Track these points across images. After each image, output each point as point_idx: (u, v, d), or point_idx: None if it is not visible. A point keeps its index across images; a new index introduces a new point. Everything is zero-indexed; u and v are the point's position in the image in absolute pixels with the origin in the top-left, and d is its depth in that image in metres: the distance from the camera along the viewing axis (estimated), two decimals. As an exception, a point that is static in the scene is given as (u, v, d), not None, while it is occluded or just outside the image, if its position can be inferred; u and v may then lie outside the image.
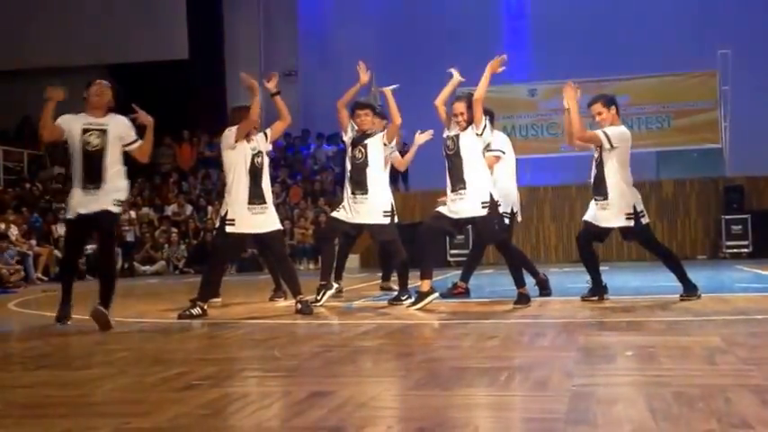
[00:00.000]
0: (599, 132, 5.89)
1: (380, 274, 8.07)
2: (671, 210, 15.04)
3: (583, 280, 6.48)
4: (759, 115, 15.43)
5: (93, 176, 5.35)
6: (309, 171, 18.55)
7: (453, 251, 13.78)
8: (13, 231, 13.58)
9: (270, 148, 6.46)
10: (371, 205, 6.51)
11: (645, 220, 5.92)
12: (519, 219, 6.88)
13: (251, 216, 5.96)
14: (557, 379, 2.97)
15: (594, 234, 6.08)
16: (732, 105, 14.99)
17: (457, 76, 5.99)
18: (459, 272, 7.17)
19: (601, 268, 6.16)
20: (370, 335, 4.63)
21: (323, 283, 6.54)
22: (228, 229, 5.92)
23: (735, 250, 14.03)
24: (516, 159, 6.99)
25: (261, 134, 6.31)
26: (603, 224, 5.95)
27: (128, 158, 5.65)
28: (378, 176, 6.56)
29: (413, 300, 6.04)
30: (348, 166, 6.67)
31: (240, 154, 6.07)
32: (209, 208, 16.87)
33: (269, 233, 6.08)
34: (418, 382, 3.05)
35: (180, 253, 16.05)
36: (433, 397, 2.79)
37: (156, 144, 18.36)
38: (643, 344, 3.84)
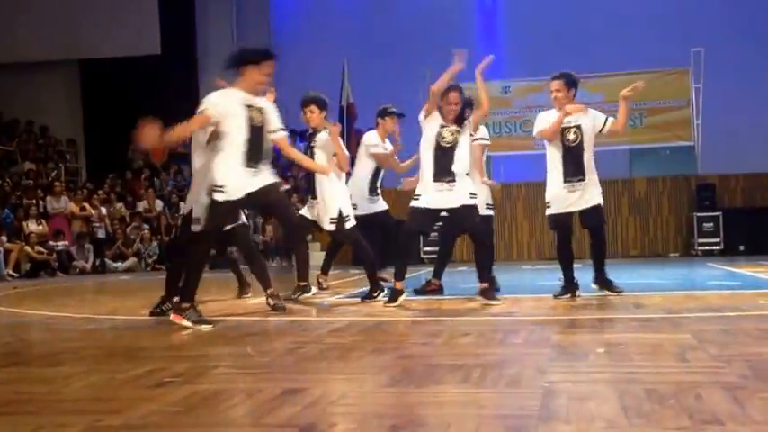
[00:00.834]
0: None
1: (353, 271, 8.04)
2: (643, 207, 15.19)
3: (555, 277, 6.52)
4: (731, 113, 15.59)
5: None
6: (282, 168, 18.53)
7: (427, 248, 13.85)
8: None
9: None
10: (322, 210, 6.62)
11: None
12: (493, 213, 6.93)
13: None
14: (529, 376, 2.99)
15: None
16: (704, 103, 15.14)
17: (458, 63, 5.84)
18: (433, 269, 7.17)
19: (576, 265, 6.19)
20: (343, 332, 4.63)
21: (302, 284, 6.56)
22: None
23: (707, 247, 14.21)
24: (490, 156, 7.02)
25: None
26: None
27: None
28: (326, 182, 6.58)
29: (387, 298, 6.03)
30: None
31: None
32: (182, 204, 16.76)
33: (233, 228, 6.04)
34: (391, 379, 3.05)
35: (152, 250, 15.95)
36: (406, 394, 2.79)
37: (129, 140, 18.34)
38: (615, 341, 3.86)
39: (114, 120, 18.34)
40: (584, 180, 6.01)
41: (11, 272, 13.44)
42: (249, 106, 4.99)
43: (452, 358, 3.50)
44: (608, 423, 2.24)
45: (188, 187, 6.59)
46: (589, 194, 6.05)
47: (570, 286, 6.06)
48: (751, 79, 15.79)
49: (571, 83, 6.07)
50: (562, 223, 6.15)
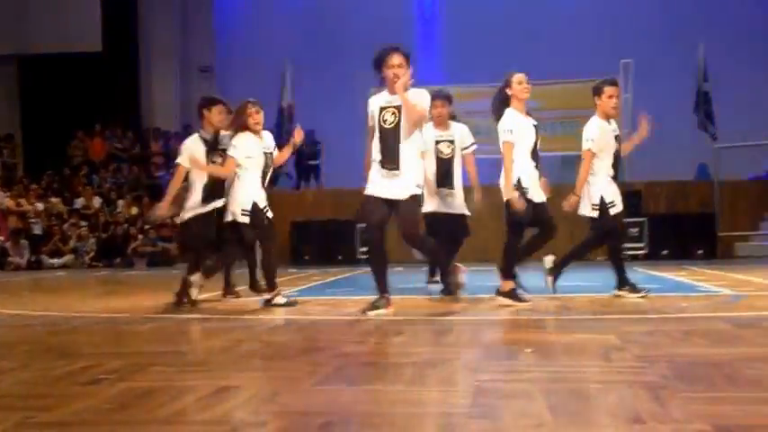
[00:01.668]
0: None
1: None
2: (572, 212, 15.49)
3: (492, 279, 6.63)
4: (657, 123, 16.05)
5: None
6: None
7: (363, 248, 13.90)
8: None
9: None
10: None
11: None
12: None
13: None
14: (461, 375, 3.06)
15: None
16: (632, 113, 15.54)
17: None
18: (368, 269, 7.20)
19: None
20: (279, 330, 4.65)
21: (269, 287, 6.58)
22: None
23: (632, 252, 14.59)
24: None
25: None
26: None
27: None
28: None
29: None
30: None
31: None
32: (120, 201, 16.59)
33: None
34: (324, 377, 3.08)
35: (89, 246, 15.68)
36: (340, 392, 2.83)
37: (68, 137, 17.92)
38: (543, 341, 3.97)
39: (53, 116, 17.93)
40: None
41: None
42: None
43: (386, 357, 3.55)
44: (535, 421, 2.32)
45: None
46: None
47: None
48: (676, 90, 16.28)
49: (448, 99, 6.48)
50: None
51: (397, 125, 5.33)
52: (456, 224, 6.63)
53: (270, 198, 6.41)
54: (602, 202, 6.19)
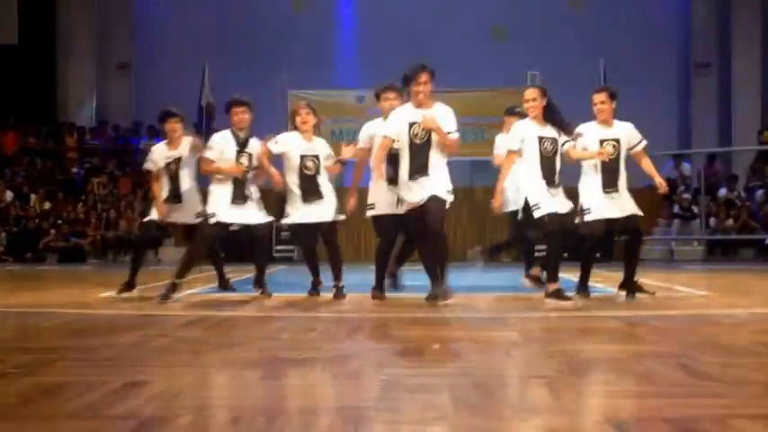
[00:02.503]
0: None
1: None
2: (482, 215, 15.83)
3: (407, 279, 6.77)
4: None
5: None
6: (139, 163, 18.06)
7: (279, 246, 13.99)
8: None
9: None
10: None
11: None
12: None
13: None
14: (369, 370, 3.14)
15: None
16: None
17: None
18: (285, 267, 7.24)
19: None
20: (191, 326, 4.64)
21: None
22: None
23: (541, 253, 14.97)
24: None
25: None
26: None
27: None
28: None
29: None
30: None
31: None
32: (33, 196, 16.21)
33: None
34: (235, 372, 3.12)
35: (0, 240, 15.20)
36: (249, 387, 2.87)
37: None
38: (450, 338, 4.10)
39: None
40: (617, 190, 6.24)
41: None
42: None
43: (297, 353, 3.60)
44: (438, 413, 2.41)
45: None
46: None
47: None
48: (579, 102, 16.89)
49: (613, 95, 6.30)
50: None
51: (428, 140, 5.75)
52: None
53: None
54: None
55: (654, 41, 18.49)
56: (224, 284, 6.95)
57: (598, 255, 6.65)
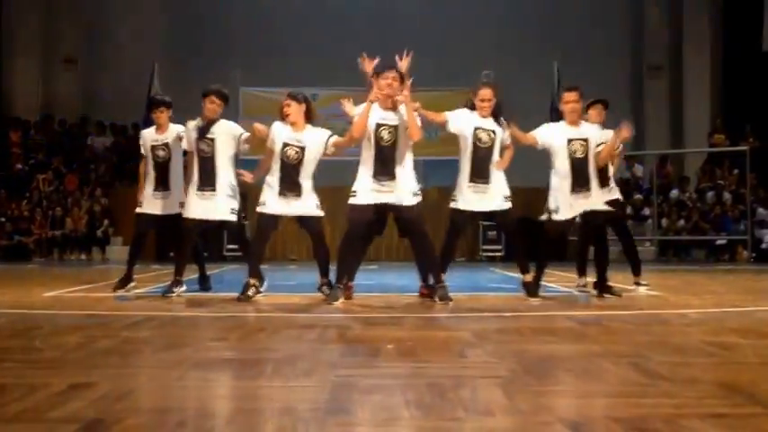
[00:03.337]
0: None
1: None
2: (436, 214, 15.87)
3: (362, 278, 6.74)
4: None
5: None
6: (86, 160, 17.74)
7: (230, 246, 13.89)
8: None
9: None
10: None
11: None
12: None
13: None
14: (320, 370, 3.09)
15: None
16: (493, 121, 16.15)
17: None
18: (235, 266, 7.16)
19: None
20: (139, 326, 4.55)
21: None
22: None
23: (490, 254, 15.23)
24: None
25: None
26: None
27: None
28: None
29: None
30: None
31: None
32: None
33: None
34: (182, 374, 3.05)
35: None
36: (197, 388, 2.81)
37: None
38: (403, 338, 4.07)
39: None
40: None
41: None
42: None
43: (247, 353, 3.55)
44: (390, 414, 2.38)
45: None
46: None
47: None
48: (531, 101, 17.06)
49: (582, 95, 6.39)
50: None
51: (394, 144, 5.87)
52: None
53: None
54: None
55: (607, 44, 18.75)
56: (205, 284, 6.88)
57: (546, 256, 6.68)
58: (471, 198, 6.18)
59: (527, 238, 6.47)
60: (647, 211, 16.28)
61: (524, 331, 4.35)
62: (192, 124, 6.44)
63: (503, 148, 6.27)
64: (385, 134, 5.87)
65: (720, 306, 6.03)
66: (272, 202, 6.12)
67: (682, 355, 3.49)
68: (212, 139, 6.37)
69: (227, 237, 13.22)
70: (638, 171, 17.58)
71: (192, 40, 18.01)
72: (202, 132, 6.37)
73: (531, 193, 12.31)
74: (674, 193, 16.93)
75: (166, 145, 6.75)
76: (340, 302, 5.82)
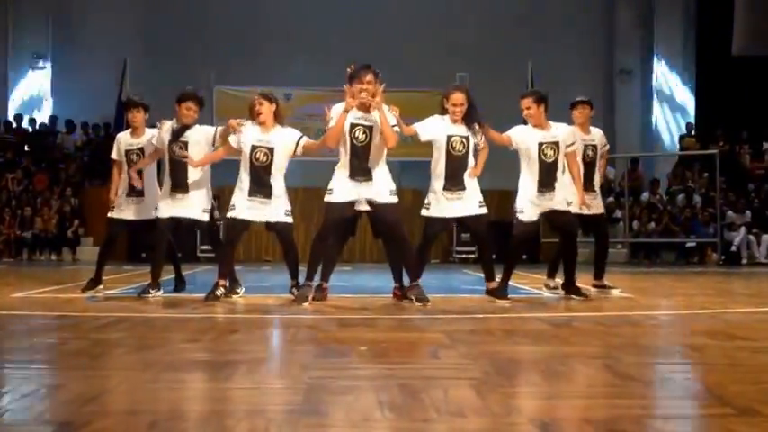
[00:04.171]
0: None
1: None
2: (410, 215, 15.89)
3: (336, 279, 6.73)
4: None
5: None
6: (56, 159, 17.54)
7: (203, 246, 13.88)
8: None
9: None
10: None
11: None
12: None
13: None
14: (294, 372, 3.09)
15: None
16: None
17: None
18: (208, 267, 7.13)
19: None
20: (110, 327, 4.50)
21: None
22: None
23: (463, 255, 15.31)
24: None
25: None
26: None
27: None
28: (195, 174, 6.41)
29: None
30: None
31: None
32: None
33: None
34: (154, 375, 3.02)
35: None
36: (168, 390, 2.79)
37: None
38: (377, 339, 4.07)
39: None
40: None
41: None
42: None
43: (219, 355, 3.53)
44: (363, 416, 2.38)
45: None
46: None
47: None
48: (506, 103, 17.16)
49: (541, 99, 6.28)
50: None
51: (368, 144, 5.87)
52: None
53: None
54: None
55: (578, 47, 18.87)
56: (180, 285, 6.84)
57: (525, 257, 6.74)
58: (445, 206, 6.15)
59: (497, 244, 6.46)
60: (618, 214, 16.41)
61: (496, 333, 4.37)
62: (168, 125, 6.38)
63: (477, 151, 6.28)
64: (359, 134, 5.87)
65: (690, 308, 6.10)
66: (241, 207, 6.08)
67: (652, 357, 3.52)
68: (185, 143, 6.32)
69: (200, 237, 13.21)
70: (609, 174, 17.73)
71: (165, 37, 17.85)
72: (176, 135, 6.31)
73: (502, 196, 12.36)
74: (645, 195, 17.09)
75: (141, 150, 6.66)
76: (309, 303, 5.80)
